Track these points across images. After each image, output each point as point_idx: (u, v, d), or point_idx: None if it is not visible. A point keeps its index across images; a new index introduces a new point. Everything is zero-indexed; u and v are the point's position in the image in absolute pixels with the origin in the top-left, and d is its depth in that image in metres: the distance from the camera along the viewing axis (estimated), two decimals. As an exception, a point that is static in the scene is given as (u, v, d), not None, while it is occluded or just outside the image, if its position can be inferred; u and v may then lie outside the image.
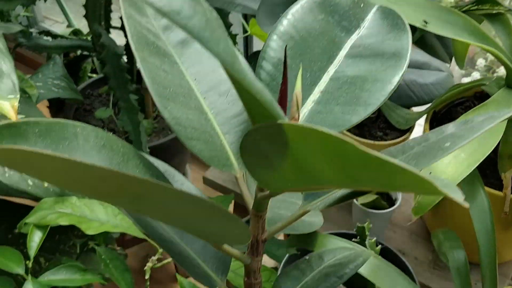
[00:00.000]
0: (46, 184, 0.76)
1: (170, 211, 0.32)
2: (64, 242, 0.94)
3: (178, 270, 1.65)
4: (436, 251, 0.76)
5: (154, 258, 0.73)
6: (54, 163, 0.26)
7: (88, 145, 0.35)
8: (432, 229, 0.96)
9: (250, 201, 0.42)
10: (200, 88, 0.41)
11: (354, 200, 0.90)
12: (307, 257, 0.54)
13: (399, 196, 0.93)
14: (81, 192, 0.30)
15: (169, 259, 0.80)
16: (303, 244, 0.60)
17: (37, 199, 0.87)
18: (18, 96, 0.51)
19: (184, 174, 1.43)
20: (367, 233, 0.61)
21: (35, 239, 0.65)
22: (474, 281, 0.90)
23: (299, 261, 0.54)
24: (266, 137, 0.29)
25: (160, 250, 0.74)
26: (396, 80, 0.39)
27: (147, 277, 0.72)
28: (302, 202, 0.43)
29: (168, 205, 0.31)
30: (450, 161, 0.63)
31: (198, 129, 0.39)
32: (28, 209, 0.90)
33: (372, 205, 0.90)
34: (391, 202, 0.94)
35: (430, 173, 0.63)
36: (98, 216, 0.69)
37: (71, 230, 0.93)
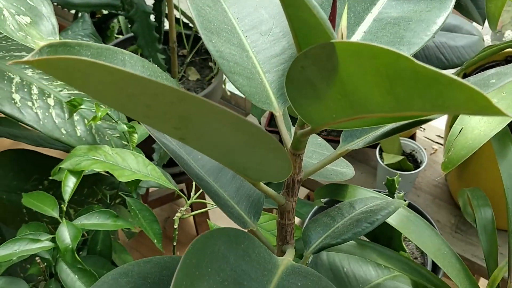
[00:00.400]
0: (78, 133, 0.77)
1: (215, 135, 0.32)
2: (93, 196, 0.97)
3: (198, 231, 1.68)
4: (461, 211, 0.76)
5: (183, 208, 0.74)
6: (112, 76, 0.27)
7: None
8: (455, 193, 0.96)
9: (288, 140, 0.43)
10: (241, 26, 0.42)
11: (380, 161, 0.91)
12: (338, 205, 0.55)
13: (425, 158, 0.93)
14: (131, 111, 0.31)
15: (196, 212, 0.81)
16: (332, 195, 0.61)
17: (67, 150, 0.89)
18: (58, 38, 0.52)
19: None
20: (396, 185, 0.61)
21: (69, 184, 0.66)
22: (499, 244, 0.90)
23: (329, 209, 0.55)
24: (314, 61, 0.29)
25: (189, 202, 0.75)
26: (441, 20, 0.39)
27: (175, 226, 0.74)
28: (341, 144, 0.44)
29: (214, 128, 0.31)
30: (483, 117, 0.62)
31: (240, 65, 0.39)
32: (57, 161, 0.92)
33: (398, 166, 0.90)
34: (416, 165, 0.94)
35: (462, 128, 0.62)
36: (130, 165, 0.70)
37: (100, 183, 0.95)
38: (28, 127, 0.74)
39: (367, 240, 0.65)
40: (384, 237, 0.64)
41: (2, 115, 1.06)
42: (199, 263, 0.38)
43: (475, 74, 0.89)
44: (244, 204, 0.52)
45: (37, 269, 0.74)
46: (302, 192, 1.26)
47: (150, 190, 1.54)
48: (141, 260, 0.46)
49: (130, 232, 1.03)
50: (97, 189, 0.87)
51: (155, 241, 0.78)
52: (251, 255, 0.42)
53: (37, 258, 0.69)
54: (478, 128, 0.62)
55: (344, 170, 0.59)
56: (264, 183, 0.48)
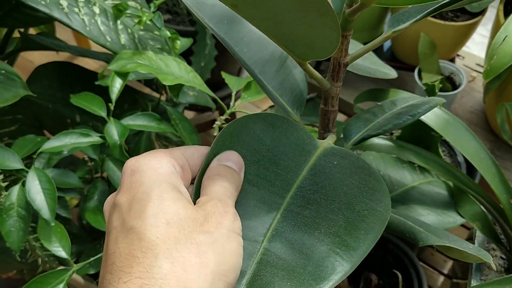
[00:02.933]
0: (122, 42, 0.79)
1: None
2: (133, 112, 0.99)
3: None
4: (499, 128, 0.77)
5: (222, 117, 0.76)
6: None
7: None
8: (492, 118, 0.96)
9: (336, 21, 0.44)
10: None
11: (418, 82, 0.90)
12: (379, 103, 0.56)
13: (463, 81, 0.92)
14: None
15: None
16: (373, 99, 0.62)
17: (109, 61, 0.91)
18: None
19: (241, 67, 1.45)
20: (436, 91, 0.62)
21: (116, 85, 0.69)
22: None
23: (371, 107, 0.56)
24: None
25: (228, 111, 0.77)
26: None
27: (215, 134, 0.76)
28: (387, 29, 0.45)
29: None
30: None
31: None
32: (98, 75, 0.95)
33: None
34: (454, 87, 0.94)
35: (506, 36, 0.62)
36: (172, 70, 0.72)
37: (141, 97, 0.97)
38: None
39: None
40: (422, 144, 0.65)
41: (45, 30, 1.08)
42: (232, 146, 0.39)
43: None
44: (287, 97, 0.54)
45: (83, 172, 0.78)
46: (340, 118, 1.27)
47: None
48: None
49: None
50: (139, 98, 0.89)
51: (195, 150, 0.80)
52: (290, 137, 0.43)
53: (85, 157, 0.73)
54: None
55: (387, 71, 0.59)
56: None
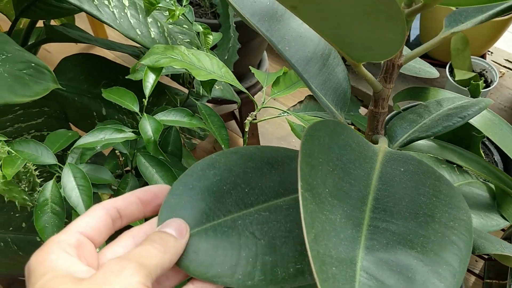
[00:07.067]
0: (152, 35, 0.78)
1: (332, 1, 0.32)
2: (157, 105, 0.99)
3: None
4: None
5: (254, 113, 0.75)
6: None
7: None
8: (524, 116, 0.94)
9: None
10: None
11: (450, 78, 0.89)
12: (423, 103, 0.54)
13: (496, 78, 0.90)
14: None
15: (266, 118, 0.82)
16: (413, 98, 0.61)
17: (136, 55, 0.90)
18: None
19: (261, 60, 1.43)
20: (480, 89, 0.60)
21: (150, 80, 0.68)
22: None
23: (415, 106, 0.55)
24: None
25: (259, 107, 0.76)
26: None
27: (246, 129, 0.75)
28: (444, 28, 0.43)
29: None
30: None
31: None
32: (123, 68, 0.94)
33: (467, 84, 0.88)
34: (486, 84, 0.92)
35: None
36: (205, 66, 0.71)
37: (168, 91, 0.96)
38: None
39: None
40: (462, 143, 0.64)
41: (66, 21, 1.07)
42: (311, 153, 0.37)
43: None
44: (331, 96, 0.52)
45: (111, 166, 0.77)
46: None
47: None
48: (228, 151, 0.45)
49: (190, 143, 1.06)
50: (167, 92, 0.88)
51: (223, 145, 0.80)
52: (352, 145, 0.41)
53: (116, 151, 0.72)
54: None
55: (430, 70, 0.58)
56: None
